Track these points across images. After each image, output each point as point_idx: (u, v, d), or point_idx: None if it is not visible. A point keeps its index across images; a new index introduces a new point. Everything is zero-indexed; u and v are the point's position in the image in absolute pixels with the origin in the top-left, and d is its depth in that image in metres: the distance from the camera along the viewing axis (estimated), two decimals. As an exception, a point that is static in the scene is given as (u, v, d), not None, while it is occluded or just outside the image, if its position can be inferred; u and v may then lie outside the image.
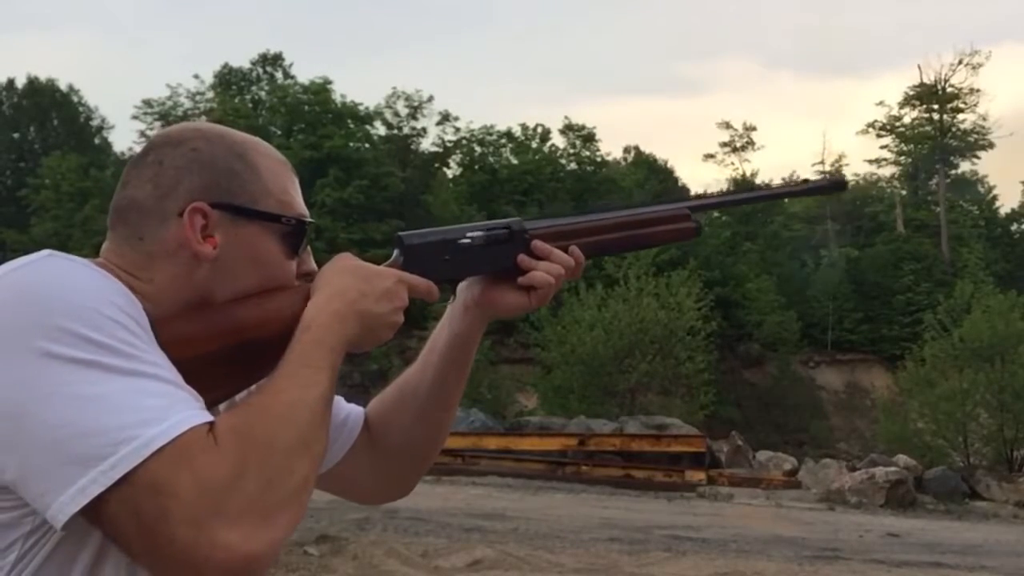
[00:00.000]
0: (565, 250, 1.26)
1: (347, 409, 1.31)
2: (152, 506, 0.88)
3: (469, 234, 1.22)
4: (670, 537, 9.60)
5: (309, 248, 1.17)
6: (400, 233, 1.20)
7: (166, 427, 0.90)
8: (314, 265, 1.17)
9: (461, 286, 1.26)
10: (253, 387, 1.08)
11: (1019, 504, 15.08)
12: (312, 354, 1.03)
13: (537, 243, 1.24)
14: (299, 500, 0.96)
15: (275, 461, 0.94)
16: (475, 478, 14.20)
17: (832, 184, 1.51)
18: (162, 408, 0.91)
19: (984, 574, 8.52)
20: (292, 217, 1.12)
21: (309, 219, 1.15)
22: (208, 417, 0.94)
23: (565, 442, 16.62)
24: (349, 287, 1.09)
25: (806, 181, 1.49)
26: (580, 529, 9.81)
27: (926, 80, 48.87)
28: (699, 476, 15.24)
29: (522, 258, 1.24)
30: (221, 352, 1.05)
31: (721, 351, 34.20)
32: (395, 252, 1.19)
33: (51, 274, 0.96)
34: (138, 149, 1.17)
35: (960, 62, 48.42)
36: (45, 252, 0.99)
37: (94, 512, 0.89)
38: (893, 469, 15.13)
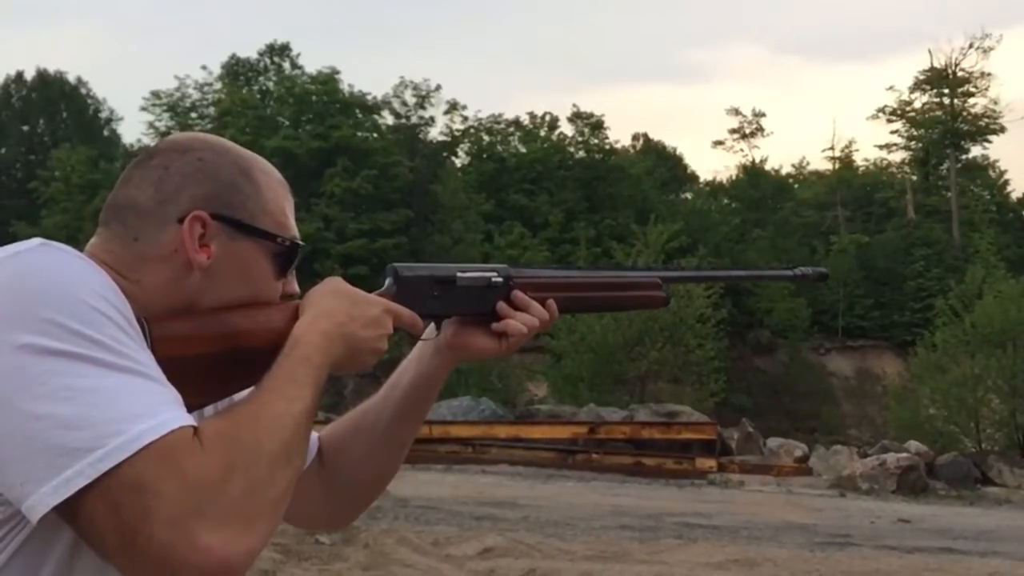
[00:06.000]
0: (543, 302, 1.28)
1: None
2: (134, 503, 0.86)
3: (460, 274, 1.25)
4: (681, 524, 9.60)
5: (294, 272, 1.19)
6: (395, 264, 1.24)
7: (154, 424, 0.88)
8: (297, 288, 1.19)
9: (445, 323, 1.27)
10: (231, 397, 1.09)
11: (1031, 489, 15.04)
12: (299, 370, 1.04)
13: (517, 294, 1.27)
14: (277, 511, 0.96)
15: (260, 469, 0.93)
16: (485, 467, 14.21)
17: (817, 276, 1.55)
18: (150, 405, 0.90)
19: (996, 559, 8.48)
20: (287, 238, 1.14)
21: (301, 243, 1.17)
22: (192, 420, 0.93)
23: (575, 430, 16.62)
24: (338, 310, 1.11)
25: (792, 267, 1.54)
26: (591, 517, 9.81)
27: (936, 64, 48.47)
28: (710, 463, 15.21)
29: (501, 305, 1.27)
30: (210, 356, 1.06)
31: (731, 338, 34.12)
32: (388, 281, 1.22)
33: (42, 265, 0.94)
34: (146, 143, 1.17)
35: (971, 46, 47.95)
36: (37, 241, 0.99)
37: (70, 507, 0.87)
38: (904, 455, 15.08)
